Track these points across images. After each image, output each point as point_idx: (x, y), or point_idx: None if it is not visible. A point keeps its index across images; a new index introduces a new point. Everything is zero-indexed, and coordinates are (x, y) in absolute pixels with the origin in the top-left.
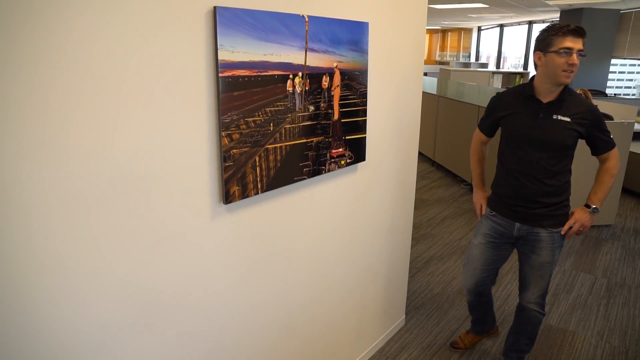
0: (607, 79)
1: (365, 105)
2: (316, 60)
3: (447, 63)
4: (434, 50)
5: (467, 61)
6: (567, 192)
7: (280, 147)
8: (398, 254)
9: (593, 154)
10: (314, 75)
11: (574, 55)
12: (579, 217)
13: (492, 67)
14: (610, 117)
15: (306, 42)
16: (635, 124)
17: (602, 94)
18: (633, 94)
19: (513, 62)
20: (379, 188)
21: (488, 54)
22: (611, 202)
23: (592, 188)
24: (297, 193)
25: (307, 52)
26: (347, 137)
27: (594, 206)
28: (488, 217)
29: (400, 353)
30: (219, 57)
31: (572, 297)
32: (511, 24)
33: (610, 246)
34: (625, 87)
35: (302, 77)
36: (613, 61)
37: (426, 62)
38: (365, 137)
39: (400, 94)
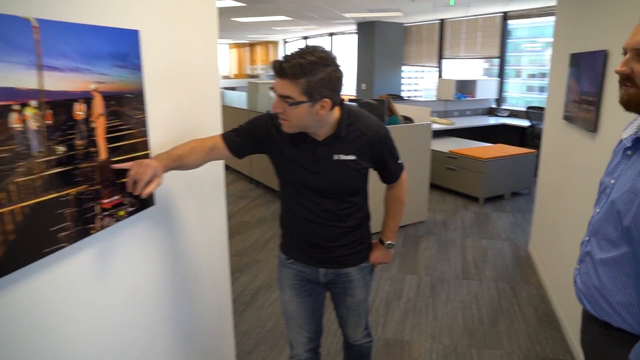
0: (400, 84)
1: (146, 136)
2: (61, 81)
3: (257, 76)
4: (245, 64)
5: None
6: (367, 223)
7: (12, 210)
8: (219, 305)
9: (383, 181)
10: (59, 104)
11: (276, 100)
12: (375, 258)
13: None
14: (410, 120)
15: (39, 57)
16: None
17: (399, 97)
18: (421, 96)
19: None
20: (181, 235)
21: None
22: (422, 199)
23: (384, 220)
24: (58, 267)
25: (44, 71)
26: (124, 180)
27: (389, 242)
28: (286, 265)
29: None
30: None
31: (402, 302)
32: (314, 36)
33: (427, 242)
34: (415, 90)
35: (38, 107)
36: (403, 68)
37: (237, 77)
38: None
39: (194, 117)
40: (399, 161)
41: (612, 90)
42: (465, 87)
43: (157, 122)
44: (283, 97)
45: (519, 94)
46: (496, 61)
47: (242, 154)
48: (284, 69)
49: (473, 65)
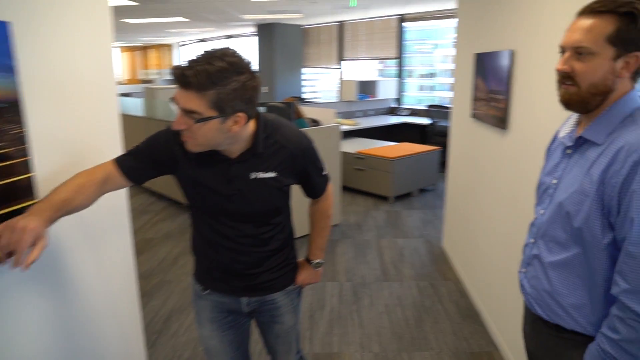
0: (301, 86)
1: (27, 156)
2: None
3: (151, 82)
4: (137, 68)
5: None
6: (291, 242)
7: None
8: (129, 339)
9: (308, 196)
10: None
11: (178, 115)
12: (302, 279)
13: None
14: (317, 122)
15: None
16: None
17: (301, 99)
18: (319, 98)
19: None
20: (76, 267)
21: None
22: (334, 202)
23: (311, 237)
24: None
25: None
26: (0, 213)
27: (317, 260)
28: (202, 296)
29: None
30: None
31: (326, 312)
32: (211, 39)
33: (343, 246)
34: (314, 92)
35: None
36: (303, 70)
37: (130, 82)
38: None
39: (89, 130)
40: (324, 172)
41: (520, 88)
42: (366, 88)
43: (42, 138)
44: (187, 112)
45: (413, 93)
46: (390, 62)
47: (141, 180)
48: (188, 77)
49: (369, 66)
